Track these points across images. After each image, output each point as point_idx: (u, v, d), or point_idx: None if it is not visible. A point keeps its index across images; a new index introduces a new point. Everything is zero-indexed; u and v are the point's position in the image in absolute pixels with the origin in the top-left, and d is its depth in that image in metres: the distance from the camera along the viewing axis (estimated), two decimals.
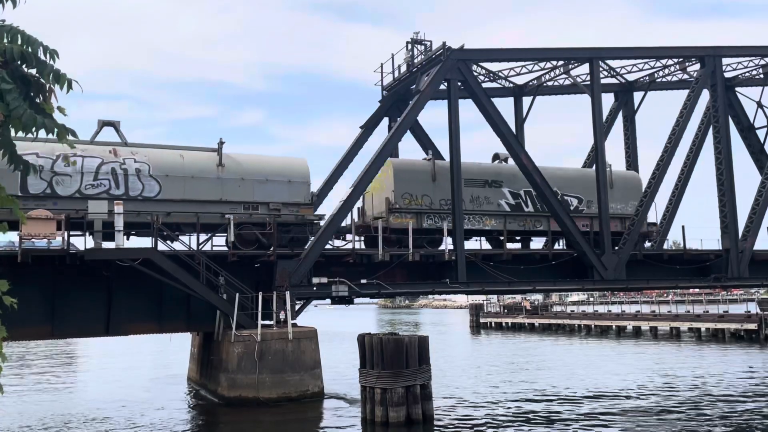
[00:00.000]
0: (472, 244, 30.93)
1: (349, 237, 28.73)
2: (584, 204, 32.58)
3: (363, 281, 27.12)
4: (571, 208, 32.17)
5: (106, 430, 19.92)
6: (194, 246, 25.14)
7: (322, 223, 27.31)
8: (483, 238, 31.93)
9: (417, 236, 28.16)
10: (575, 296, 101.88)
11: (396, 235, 27.84)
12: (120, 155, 24.86)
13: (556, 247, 32.88)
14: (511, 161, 32.21)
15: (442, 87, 30.18)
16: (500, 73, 35.75)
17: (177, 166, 25.81)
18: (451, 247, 28.47)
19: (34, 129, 4.25)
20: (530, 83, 36.88)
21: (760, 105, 37.81)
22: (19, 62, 4.30)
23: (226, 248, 26.03)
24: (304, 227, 27.02)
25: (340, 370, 31.70)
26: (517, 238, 32.48)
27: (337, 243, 29.01)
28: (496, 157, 33.85)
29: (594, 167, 32.59)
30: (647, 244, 34.70)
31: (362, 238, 28.81)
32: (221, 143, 26.62)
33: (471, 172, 30.50)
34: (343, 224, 28.00)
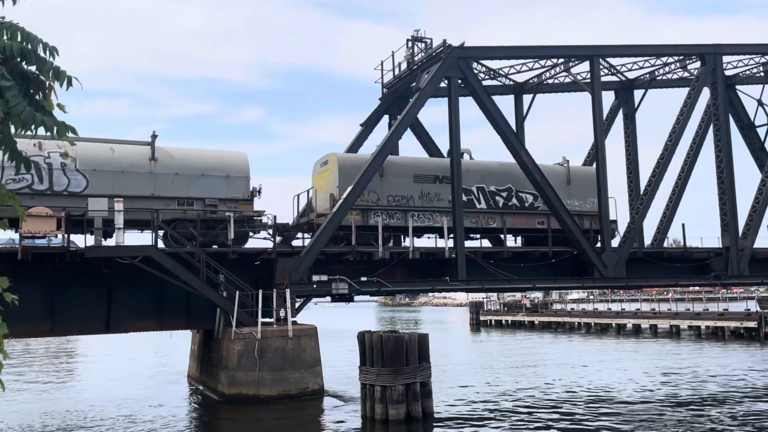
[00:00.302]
0: (423, 242, 30.35)
1: (299, 235, 28.33)
2: (540, 200, 31.53)
3: (363, 279, 27.12)
4: (526, 204, 31.51)
5: (106, 428, 19.93)
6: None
7: (264, 219, 26.62)
8: (436, 236, 30.65)
9: (364, 233, 27.49)
10: (575, 294, 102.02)
11: (342, 232, 27.03)
12: (45, 149, 23.51)
13: (514, 244, 32.20)
14: (466, 156, 31.77)
15: (443, 85, 30.17)
16: (501, 71, 35.72)
17: (106, 160, 24.87)
18: (451, 244, 28.48)
19: (33, 126, 4.25)
20: (530, 81, 36.86)
21: (760, 103, 37.78)
22: (18, 59, 4.29)
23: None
24: (243, 224, 25.88)
25: (340, 367, 31.72)
26: (471, 235, 31.43)
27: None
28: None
29: (594, 165, 32.58)
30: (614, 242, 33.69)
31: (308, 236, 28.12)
32: (154, 136, 25.73)
33: (422, 167, 30.00)
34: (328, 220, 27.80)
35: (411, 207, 29.06)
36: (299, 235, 29.41)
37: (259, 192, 26.87)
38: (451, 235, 28.66)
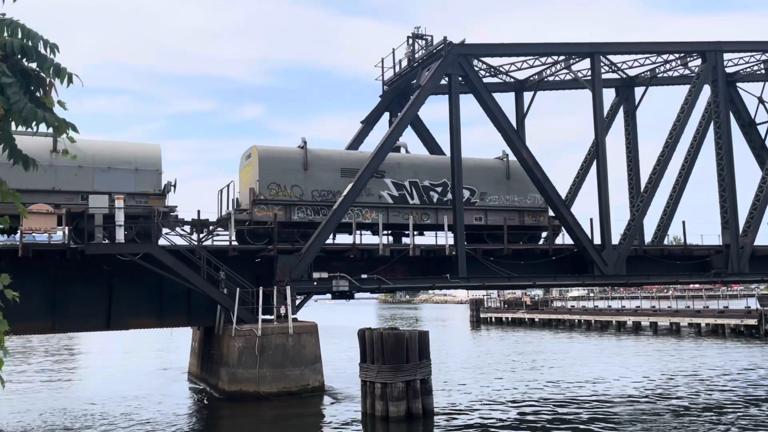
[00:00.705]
0: (347, 239, 28.62)
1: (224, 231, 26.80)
2: (477, 196, 30.82)
3: (363, 276, 27.14)
4: (463, 200, 30.02)
5: (106, 425, 19.96)
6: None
7: (181, 215, 25.43)
8: (369, 232, 29.66)
9: (287, 230, 26.69)
10: (575, 292, 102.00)
11: (264, 228, 26.20)
12: None
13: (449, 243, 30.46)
14: (402, 150, 30.90)
15: (443, 82, 30.13)
16: (501, 68, 35.67)
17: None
18: (450, 242, 28.48)
19: (34, 123, 4.25)
20: (531, 78, 36.82)
21: (761, 100, 37.75)
22: (19, 56, 4.30)
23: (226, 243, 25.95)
24: (154, 220, 24.21)
25: (341, 364, 31.75)
26: (406, 232, 29.79)
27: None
28: None
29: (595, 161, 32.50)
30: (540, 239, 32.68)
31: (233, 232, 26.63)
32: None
33: (350, 161, 29.01)
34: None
35: (462, 206, 28.37)
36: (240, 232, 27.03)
37: (174, 186, 25.45)
38: (407, 232, 28.03)
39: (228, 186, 27.81)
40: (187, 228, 26.36)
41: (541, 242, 32.61)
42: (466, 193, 30.48)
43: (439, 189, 30.35)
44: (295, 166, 27.91)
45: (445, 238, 28.61)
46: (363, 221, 28.62)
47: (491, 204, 31.00)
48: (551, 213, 31.78)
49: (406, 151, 31.52)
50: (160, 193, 25.18)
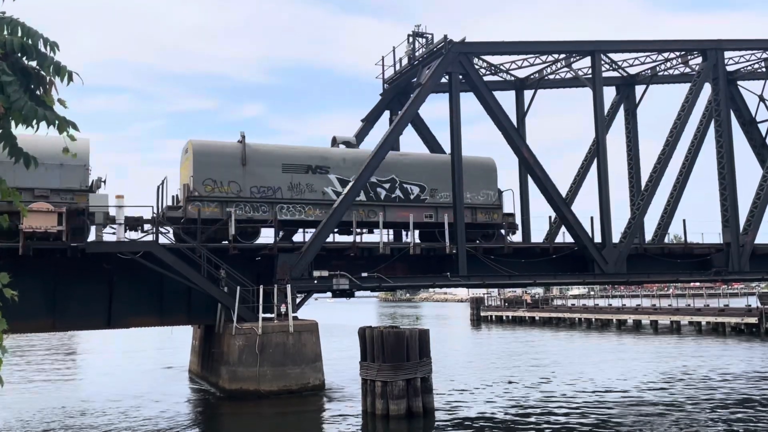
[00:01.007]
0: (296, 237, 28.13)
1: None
2: (427, 193, 29.81)
3: (364, 274, 27.16)
4: (411, 197, 29.75)
5: (107, 423, 19.98)
6: None
7: (112, 212, 23.88)
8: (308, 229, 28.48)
9: (225, 227, 25.55)
10: (576, 290, 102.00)
11: (197, 226, 24.96)
12: None
13: (404, 241, 29.77)
14: (342, 146, 30.09)
15: (444, 80, 30.12)
16: (502, 66, 35.68)
17: None
18: (452, 240, 28.47)
19: (35, 121, 4.25)
20: (532, 76, 36.82)
21: (761, 99, 37.74)
22: (19, 54, 4.29)
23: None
24: (83, 217, 22.95)
25: (341, 363, 31.76)
26: (353, 230, 28.74)
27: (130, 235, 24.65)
28: (334, 141, 31.00)
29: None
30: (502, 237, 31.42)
31: (170, 230, 26.12)
32: None
33: (292, 156, 28.03)
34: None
35: (279, 199, 27.23)
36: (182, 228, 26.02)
37: (104, 182, 24.50)
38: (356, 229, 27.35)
39: (163, 182, 26.65)
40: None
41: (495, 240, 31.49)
42: (416, 190, 29.78)
43: (386, 185, 29.41)
44: (233, 162, 26.82)
45: (380, 235, 27.73)
46: (306, 219, 27.58)
47: (442, 201, 29.96)
48: (507, 210, 31.27)
49: (355, 147, 30.84)
50: (88, 189, 24.16)
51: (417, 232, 29.70)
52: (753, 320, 48.65)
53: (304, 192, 27.71)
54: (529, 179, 33.73)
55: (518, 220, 33.01)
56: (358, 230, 28.49)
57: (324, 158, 28.51)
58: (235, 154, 27.01)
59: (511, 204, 31.89)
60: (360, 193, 27.93)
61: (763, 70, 36.99)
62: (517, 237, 33.38)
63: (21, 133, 4.55)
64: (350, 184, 27.03)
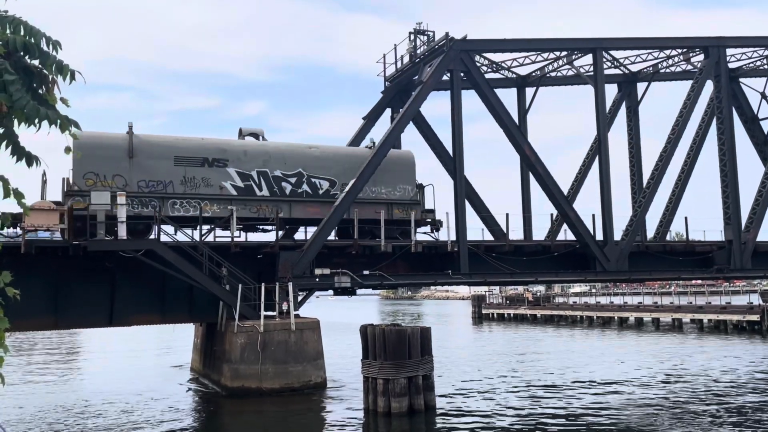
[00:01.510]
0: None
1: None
2: (338, 187, 27.93)
3: (365, 272, 27.16)
4: (320, 192, 27.96)
5: (108, 421, 20.01)
6: None
7: None
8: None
9: (108, 222, 23.18)
10: (577, 287, 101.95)
11: (79, 224, 23.11)
12: None
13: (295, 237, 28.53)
14: (249, 139, 28.46)
15: (445, 78, 30.11)
16: (503, 64, 35.66)
17: None
18: (454, 237, 28.46)
19: (37, 120, 4.24)
20: (533, 74, 36.78)
21: (764, 96, 37.68)
22: (21, 53, 4.29)
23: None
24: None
25: (343, 361, 31.79)
26: (259, 226, 27.84)
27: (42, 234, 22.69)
28: (240, 132, 29.44)
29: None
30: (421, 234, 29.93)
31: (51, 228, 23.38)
32: None
33: (184, 148, 26.39)
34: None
35: (170, 194, 25.80)
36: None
37: None
38: (260, 226, 26.47)
39: (43, 175, 24.88)
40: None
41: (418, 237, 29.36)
42: (325, 185, 28.12)
43: (292, 180, 27.69)
44: (119, 154, 25.12)
45: (276, 234, 26.47)
46: (204, 215, 25.85)
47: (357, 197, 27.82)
48: (428, 206, 29.67)
49: (263, 139, 28.99)
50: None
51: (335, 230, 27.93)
52: (755, 318, 48.61)
53: (199, 186, 26.15)
54: (531, 177, 33.70)
55: (451, 217, 29.63)
56: (268, 227, 27.31)
57: (222, 151, 26.88)
58: (121, 146, 25.31)
59: (430, 199, 30.09)
60: (262, 188, 26.78)
61: (766, 67, 36.92)
62: (518, 234, 33.38)
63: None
64: (351, 182, 27.01)
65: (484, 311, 77.72)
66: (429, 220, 29.91)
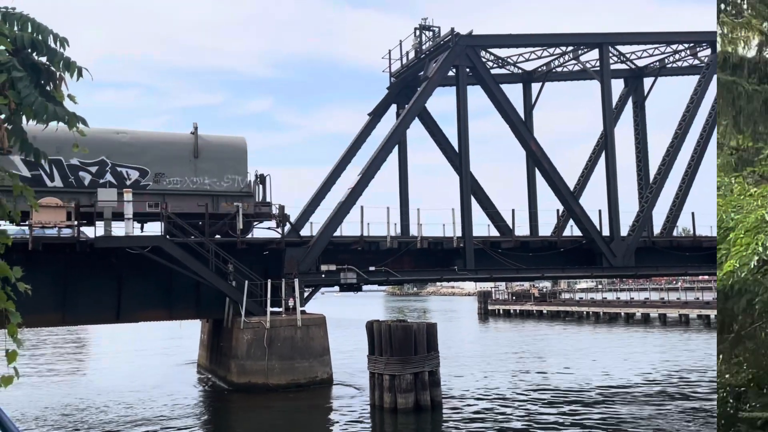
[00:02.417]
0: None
1: None
2: (150, 177, 25.35)
3: (371, 268, 27.19)
4: (128, 182, 24.94)
5: (116, 416, 20.10)
6: None
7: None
8: None
9: None
10: (583, 283, 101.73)
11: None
12: None
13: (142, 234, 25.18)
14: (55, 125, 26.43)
15: (451, 73, 30.05)
16: (509, 59, 35.54)
17: None
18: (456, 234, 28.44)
19: (45, 117, 4.26)
20: (539, 69, 36.66)
21: None
22: (29, 50, 4.30)
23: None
24: None
25: (349, 357, 31.83)
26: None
27: None
28: None
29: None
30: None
31: None
32: None
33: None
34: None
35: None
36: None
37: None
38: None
39: None
40: None
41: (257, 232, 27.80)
42: (134, 174, 25.19)
43: (93, 169, 24.80)
44: None
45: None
46: None
47: (172, 187, 25.61)
48: (261, 199, 27.09)
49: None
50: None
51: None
52: None
53: None
54: (537, 172, 33.63)
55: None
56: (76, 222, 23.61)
57: None
58: None
59: (269, 193, 27.41)
60: (54, 178, 24.08)
61: None
62: (524, 230, 33.30)
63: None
64: (357, 178, 27.03)
65: (490, 307, 77.64)
66: (266, 212, 27.09)
